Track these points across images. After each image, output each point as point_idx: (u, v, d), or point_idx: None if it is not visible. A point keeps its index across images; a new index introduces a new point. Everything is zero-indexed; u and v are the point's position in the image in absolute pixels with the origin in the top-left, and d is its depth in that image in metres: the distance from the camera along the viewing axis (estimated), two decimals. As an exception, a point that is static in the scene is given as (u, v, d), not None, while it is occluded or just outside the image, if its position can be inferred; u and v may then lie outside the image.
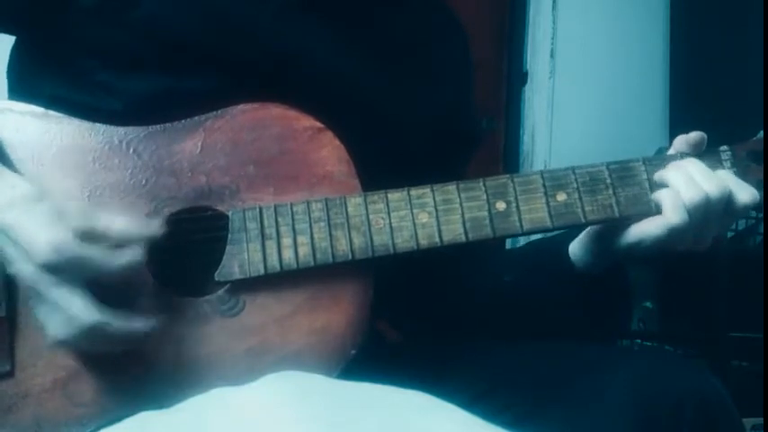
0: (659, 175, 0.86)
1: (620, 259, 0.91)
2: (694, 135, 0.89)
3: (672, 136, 0.91)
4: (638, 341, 2.49)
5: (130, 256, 0.75)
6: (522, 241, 1.08)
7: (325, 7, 0.92)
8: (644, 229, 0.85)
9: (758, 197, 0.85)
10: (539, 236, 0.92)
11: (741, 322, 2.23)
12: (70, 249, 0.72)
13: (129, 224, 0.76)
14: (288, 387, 0.61)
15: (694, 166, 0.85)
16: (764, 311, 1.88)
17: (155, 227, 0.77)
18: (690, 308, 2.41)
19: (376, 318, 0.99)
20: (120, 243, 0.75)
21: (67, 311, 0.73)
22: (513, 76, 3.06)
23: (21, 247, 0.73)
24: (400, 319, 1.08)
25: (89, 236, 0.74)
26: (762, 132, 0.90)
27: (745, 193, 0.85)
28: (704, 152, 0.88)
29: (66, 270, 0.72)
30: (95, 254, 0.73)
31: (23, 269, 0.73)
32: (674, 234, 0.84)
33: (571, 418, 0.82)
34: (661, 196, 0.85)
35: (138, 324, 0.75)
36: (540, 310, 0.99)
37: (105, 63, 0.88)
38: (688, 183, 0.84)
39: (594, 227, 0.91)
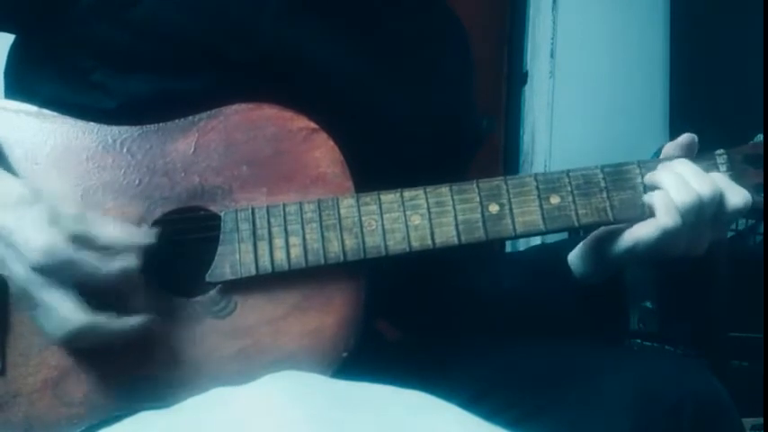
0: (650, 178, 0.85)
1: (617, 266, 0.90)
2: (684, 137, 0.87)
3: (672, 136, 0.90)
4: (638, 341, 2.49)
5: (123, 262, 0.75)
6: (522, 243, 1.08)
7: (325, 7, 0.92)
8: (637, 233, 0.84)
9: (750, 200, 0.83)
10: (537, 240, 0.92)
11: (741, 322, 2.23)
12: (62, 252, 0.73)
13: (121, 230, 0.77)
14: (288, 387, 0.61)
15: (685, 167, 0.84)
16: (764, 311, 1.88)
17: (148, 235, 0.78)
18: (690, 308, 2.40)
19: (375, 317, 0.99)
20: (111, 249, 0.75)
21: (59, 313, 0.73)
22: (513, 76, 3.06)
23: (14, 249, 0.73)
24: (399, 317, 1.08)
25: (82, 240, 0.74)
26: (760, 136, 0.88)
27: (737, 196, 0.83)
28: (699, 156, 0.87)
29: (57, 273, 0.72)
30: (87, 258, 0.74)
31: (16, 270, 0.73)
32: (666, 237, 0.82)
33: (571, 417, 0.82)
34: (653, 199, 0.83)
35: (129, 322, 0.76)
36: (538, 318, 0.98)
37: (102, 62, 0.88)
38: (679, 184, 0.82)
39: (591, 235, 0.90)
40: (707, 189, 0.82)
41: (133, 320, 0.76)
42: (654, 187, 0.84)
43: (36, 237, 0.73)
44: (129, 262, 0.75)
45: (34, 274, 0.72)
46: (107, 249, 0.75)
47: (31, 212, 0.74)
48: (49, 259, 0.72)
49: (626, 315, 2.25)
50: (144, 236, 0.78)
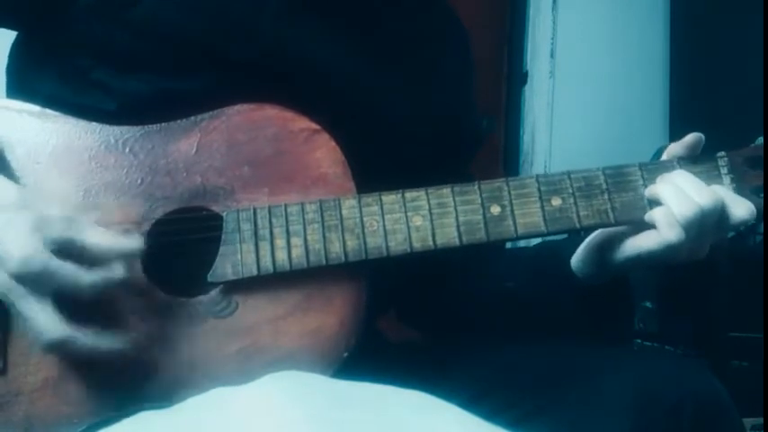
0: (650, 191, 0.84)
1: (619, 271, 0.90)
2: (690, 137, 0.87)
3: (672, 136, 0.90)
4: (638, 341, 2.49)
5: (105, 272, 0.74)
6: (523, 243, 1.07)
7: (325, 7, 0.92)
8: (640, 244, 0.84)
9: (755, 210, 0.83)
10: (537, 240, 0.92)
11: (741, 322, 2.23)
12: (39, 262, 0.71)
13: (108, 238, 0.75)
14: (288, 387, 0.62)
15: (684, 179, 0.83)
16: (764, 311, 1.88)
17: (134, 243, 0.77)
18: (690, 308, 2.40)
19: (376, 317, 0.99)
20: (95, 257, 0.74)
21: (35, 323, 0.72)
22: (513, 76, 3.05)
23: None
24: (399, 317, 1.08)
25: (66, 246, 0.73)
26: (760, 139, 0.88)
27: (741, 208, 0.83)
28: (701, 158, 0.87)
29: (34, 282, 0.71)
30: (66, 269, 0.72)
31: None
32: (669, 250, 0.82)
33: (571, 417, 0.82)
34: (654, 215, 0.83)
35: (105, 341, 0.75)
36: (543, 317, 0.99)
37: (103, 62, 0.88)
38: (680, 198, 0.82)
39: (592, 240, 0.90)
40: (708, 200, 0.82)
41: (107, 340, 0.75)
42: (655, 200, 0.84)
43: (15, 245, 0.71)
44: (112, 272, 0.74)
45: (13, 283, 0.71)
46: (92, 257, 0.73)
47: (16, 218, 0.73)
48: (24, 268, 0.71)
49: (631, 314, 2.25)
50: (130, 243, 0.76)
